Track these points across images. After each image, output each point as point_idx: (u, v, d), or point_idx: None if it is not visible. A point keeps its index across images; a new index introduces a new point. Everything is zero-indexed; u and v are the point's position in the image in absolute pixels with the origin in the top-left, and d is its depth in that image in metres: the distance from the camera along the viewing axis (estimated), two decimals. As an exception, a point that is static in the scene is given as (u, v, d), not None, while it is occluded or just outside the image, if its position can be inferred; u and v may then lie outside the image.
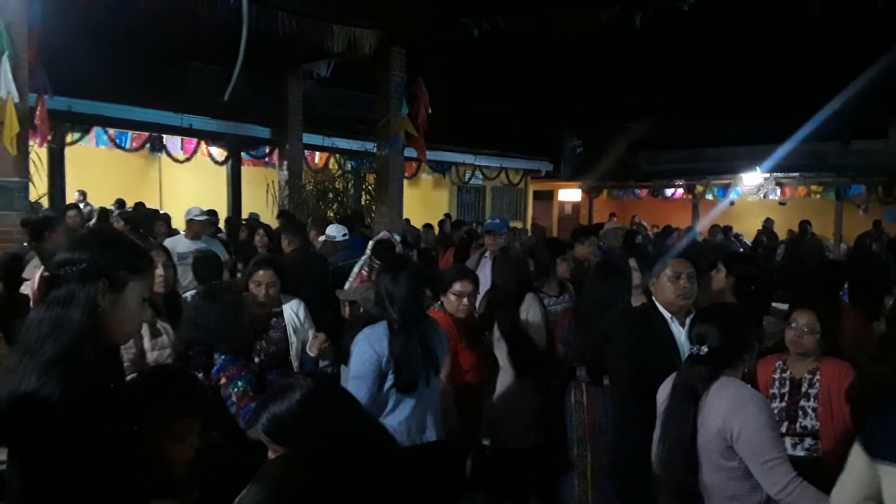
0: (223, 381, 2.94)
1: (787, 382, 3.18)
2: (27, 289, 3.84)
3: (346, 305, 5.61)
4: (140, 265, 1.75)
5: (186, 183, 14.65)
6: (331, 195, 11.94)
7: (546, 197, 22.57)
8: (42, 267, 1.73)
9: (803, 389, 3.13)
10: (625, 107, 16.30)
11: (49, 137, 10.35)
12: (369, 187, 11.88)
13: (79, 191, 12.01)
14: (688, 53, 10.79)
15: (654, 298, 3.37)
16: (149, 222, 8.56)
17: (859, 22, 8.34)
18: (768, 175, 17.75)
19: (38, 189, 8.34)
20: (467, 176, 18.78)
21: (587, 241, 6.04)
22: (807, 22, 7.93)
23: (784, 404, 3.14)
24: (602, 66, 11.85)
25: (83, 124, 11.03)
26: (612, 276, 3.88)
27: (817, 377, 3.12)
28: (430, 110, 10.17)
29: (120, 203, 11.62)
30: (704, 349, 2.46)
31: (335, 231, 6.63)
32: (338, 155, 14.06)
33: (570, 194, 22.66)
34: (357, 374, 3.05)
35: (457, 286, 3.76)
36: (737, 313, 2.73)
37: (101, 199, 11.99)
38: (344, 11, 8.96)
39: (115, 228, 7.18)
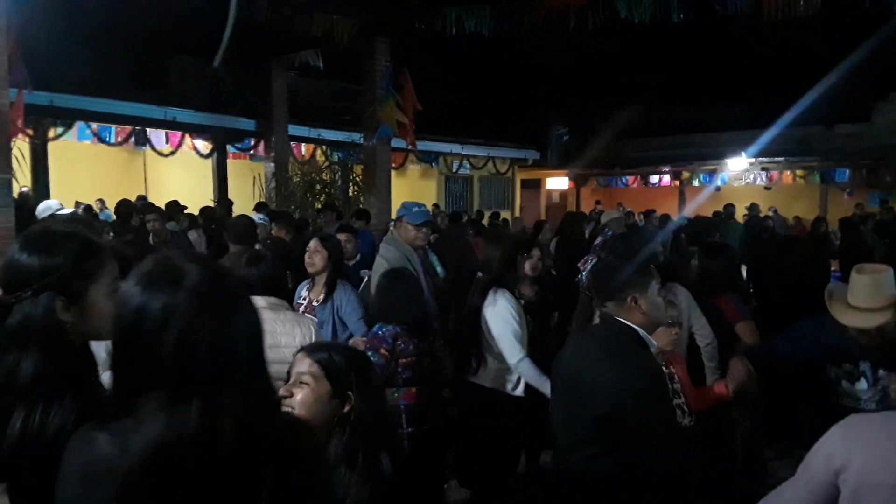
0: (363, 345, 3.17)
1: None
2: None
3: None
4: (90, 267, 1.57)
5: (172, 177, 14.56)
6: (318, 187, 11.89)
7: (534, 185, 22.60)
8: None
9: (672, 386, 2.98)
10: (611, 94, 16.35)
11: (30, 132, 10.27)
12: (357, 178, 11.84)
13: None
14: (672, 40, 10.82)
15: (625, 319, 2.40)
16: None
17: (842, 7, 8.38)
18: (754, 160, 17.85)
19: (22, 185, 8.26)
20: (455, 166, 18.77)
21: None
22: (790, 7, 7.96)
23: None
24: (587, 55, 11.87)
25: (65, 119, 10.93)
26: None
27: (672, 370, 3.04)
28: (416, 101, 10.14)
29: (141, 199, 11.68)
30: None
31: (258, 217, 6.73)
32: (324, 146, 14.00)
33: (557, 182, 22.69)
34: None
35: None
36: None
37: (86, 194, 11.90)
38: (326, 0, 8.91)
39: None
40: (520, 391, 3.66)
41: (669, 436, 2.37)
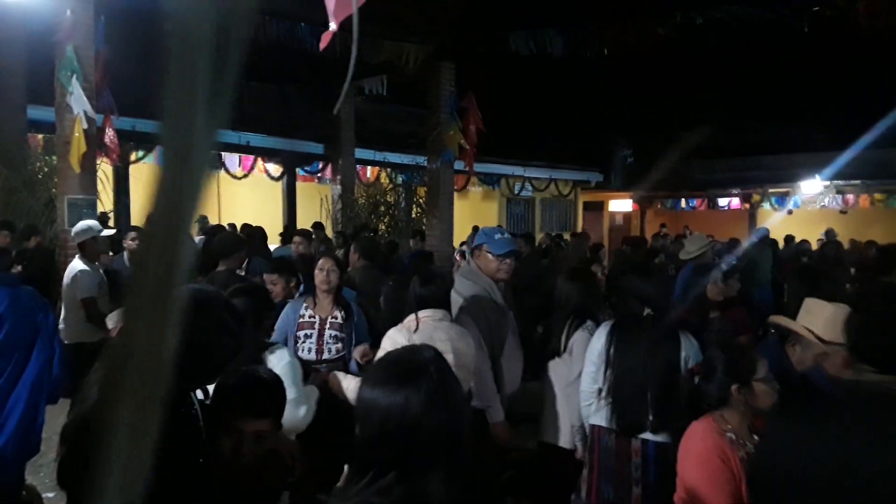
0: None
1: None
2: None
3: None
4: None
5: (244, 199, 15.03)
6: (382, 208, 12.11)
7: (596, 208, 22.36)
8: None
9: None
10: (677, 114, 16.09)
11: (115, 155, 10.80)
12: (420, 200, 12.00)
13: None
14: (743, 57, 10.61)
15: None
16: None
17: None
18: (828, 183, 17.22)
19: (105, 206, 8.68)
20: (517, 188, 18.77)
21: None
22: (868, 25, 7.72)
23: None
24: (654, 74, 11.75)
25: (147, 143, 11.44)
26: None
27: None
28: (481, 124, 10.22)
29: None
30: None
31: None
32: (389, 169, 14.25)
33: (620, 205, 22.39)
34: None
35: None
36: None
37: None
38: (394, 28, 9.12)
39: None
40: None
41: None
